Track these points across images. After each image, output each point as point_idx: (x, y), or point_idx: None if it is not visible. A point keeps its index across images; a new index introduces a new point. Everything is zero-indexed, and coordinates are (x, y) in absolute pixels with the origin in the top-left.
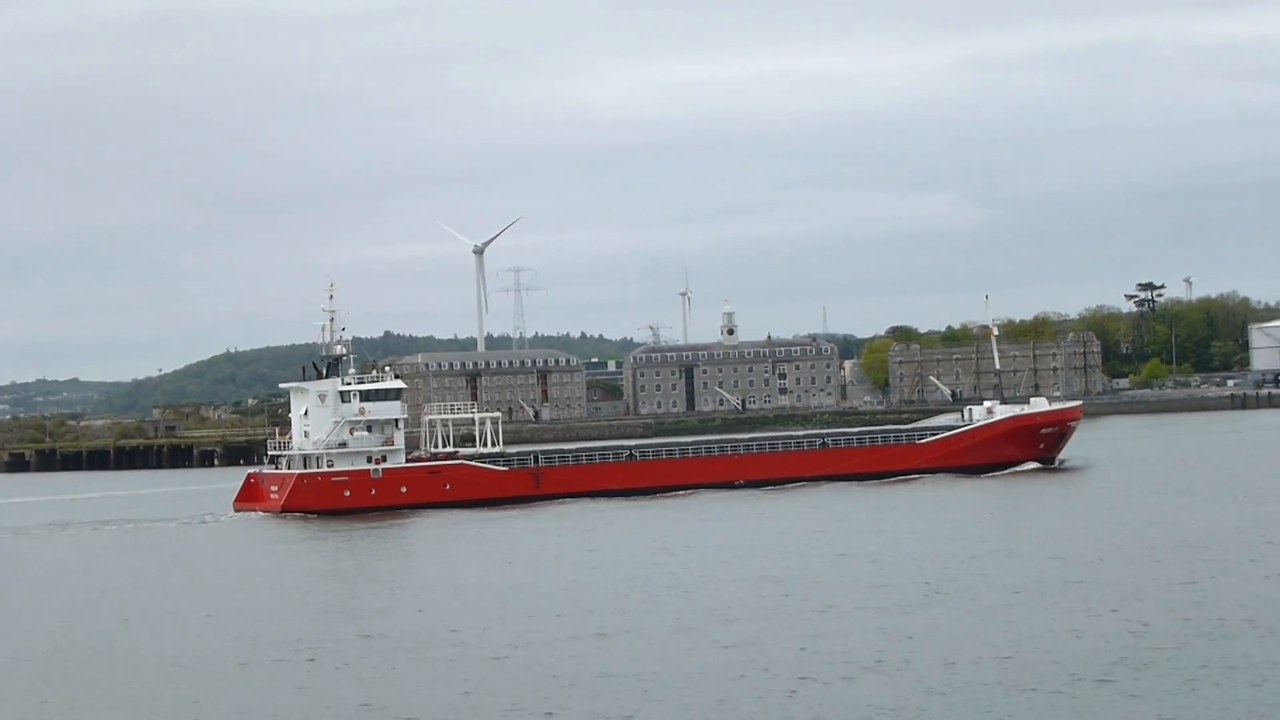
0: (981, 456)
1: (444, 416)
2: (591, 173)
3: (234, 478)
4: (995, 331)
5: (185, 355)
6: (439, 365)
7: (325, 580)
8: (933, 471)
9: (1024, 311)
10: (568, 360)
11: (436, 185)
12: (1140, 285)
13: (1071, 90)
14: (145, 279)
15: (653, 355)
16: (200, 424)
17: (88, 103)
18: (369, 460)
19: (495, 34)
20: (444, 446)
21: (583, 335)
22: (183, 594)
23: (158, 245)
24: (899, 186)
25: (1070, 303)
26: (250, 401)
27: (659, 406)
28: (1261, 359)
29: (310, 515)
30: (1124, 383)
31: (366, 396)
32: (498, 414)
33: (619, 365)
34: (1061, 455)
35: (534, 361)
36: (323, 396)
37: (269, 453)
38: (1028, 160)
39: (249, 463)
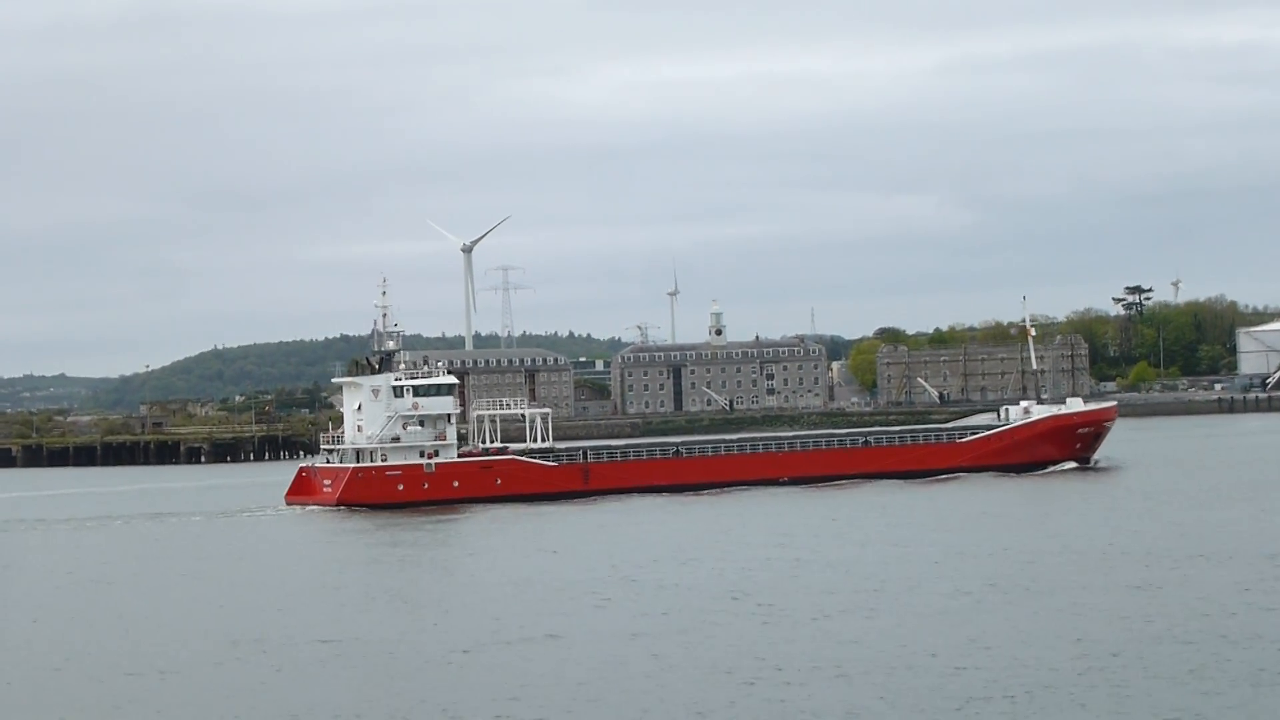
0: (1021, 456)
1: (493, 412)
2: (579, 172)
3: (221, 475)
4: (1033, 332)
5: (173, 352)
6: (425, 362)
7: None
8: (973, 470)
9: (1011, 314)
10: (555, 359)
11: (423, 183)
12: (1128, 288)
13: (1055, 93)
14: (133, 275)
15: (641, 355)
16: (187, 420)
17: (76, 98)
18: (421, 455)
19: (480, 33)
20: (491, 441)
21: (571, 334)
22: (320, 583)
23: (145, 241)
24: (884, 188)
25: (1058, 305)
26: (238, 398)
27: (646, 406)
28: (1249, 363)
29: (364, 509)
30: (1111, 386)
31: (419, 391)
32: (547, 410)
33: (607, 365)
34: (1096, 455)
35: (522, 360)
36: (376, 391)
37: (321, 446)
38: (1013, 163)
39: (235, 460)
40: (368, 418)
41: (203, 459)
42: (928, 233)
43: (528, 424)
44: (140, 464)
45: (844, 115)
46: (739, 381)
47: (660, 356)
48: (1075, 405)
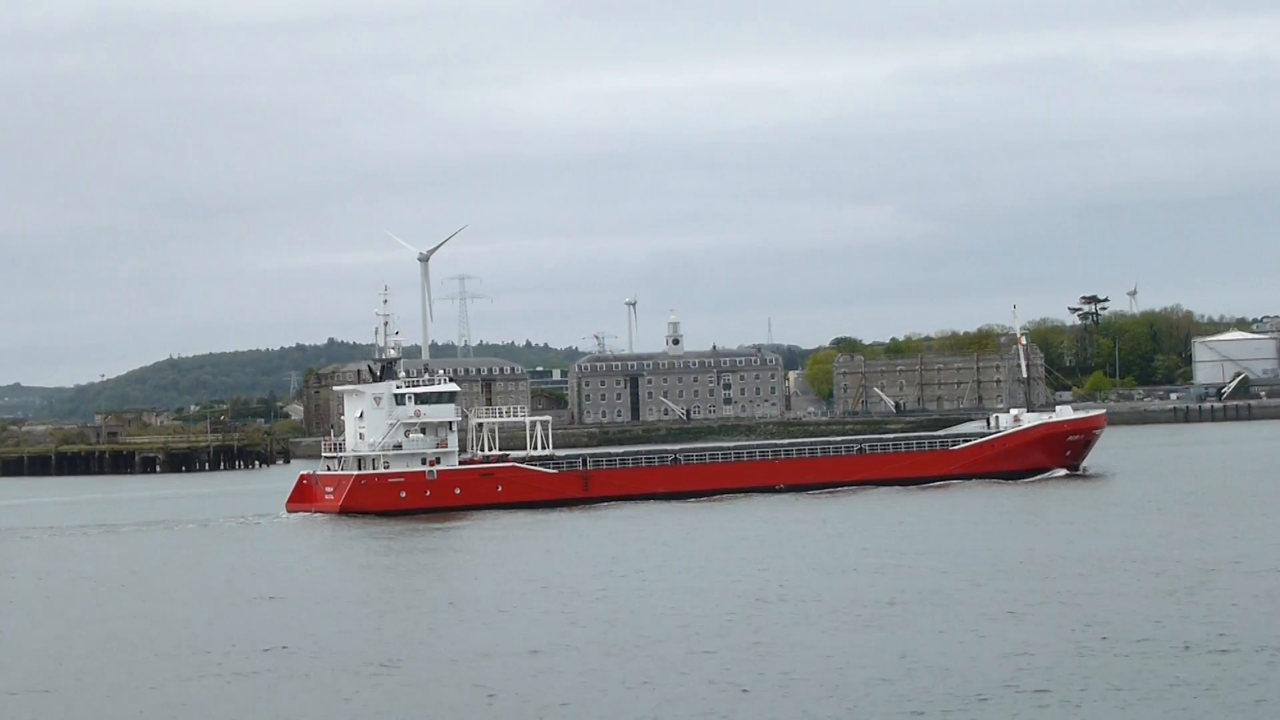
0: (1013, 463)
1: (491, 420)
2: (536, 182)
3: (177, 485)
4: (1023, 340)
5: (128, 361)
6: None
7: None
8: (966, 477)
9: (967, 324)
10: (512, 369)
11: (378, 193)
12: (1084, 298)
13: (1010, 104)
14: (88, 285)
15: (598, 364)
16: (143, 430)
17: (28, 108)
18: (423, 462)
19: (434, 43)
20: (489, 449)
21: (528, 344)
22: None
23: (101, 251)
24: (840, 199)
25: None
26: (193, 408)
27: (604, 416)
28: (1204, 372)
29: (367, 516)
30: (1067, 395)
31: (421, 399)
32: (548, 418)
33: (564, 374)
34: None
35: (479, 370)
36: (378, 399)
37: (323, 454)
38: (969, 173)
39: (190, 470)
40: (370, 425)
41: (158, 469)
42: (884, 243)
43: (528, 431)
44: (95, 474)
45: (798, 126)
46: (696, 391)
47: (617, 366)
48: (1065, 413)
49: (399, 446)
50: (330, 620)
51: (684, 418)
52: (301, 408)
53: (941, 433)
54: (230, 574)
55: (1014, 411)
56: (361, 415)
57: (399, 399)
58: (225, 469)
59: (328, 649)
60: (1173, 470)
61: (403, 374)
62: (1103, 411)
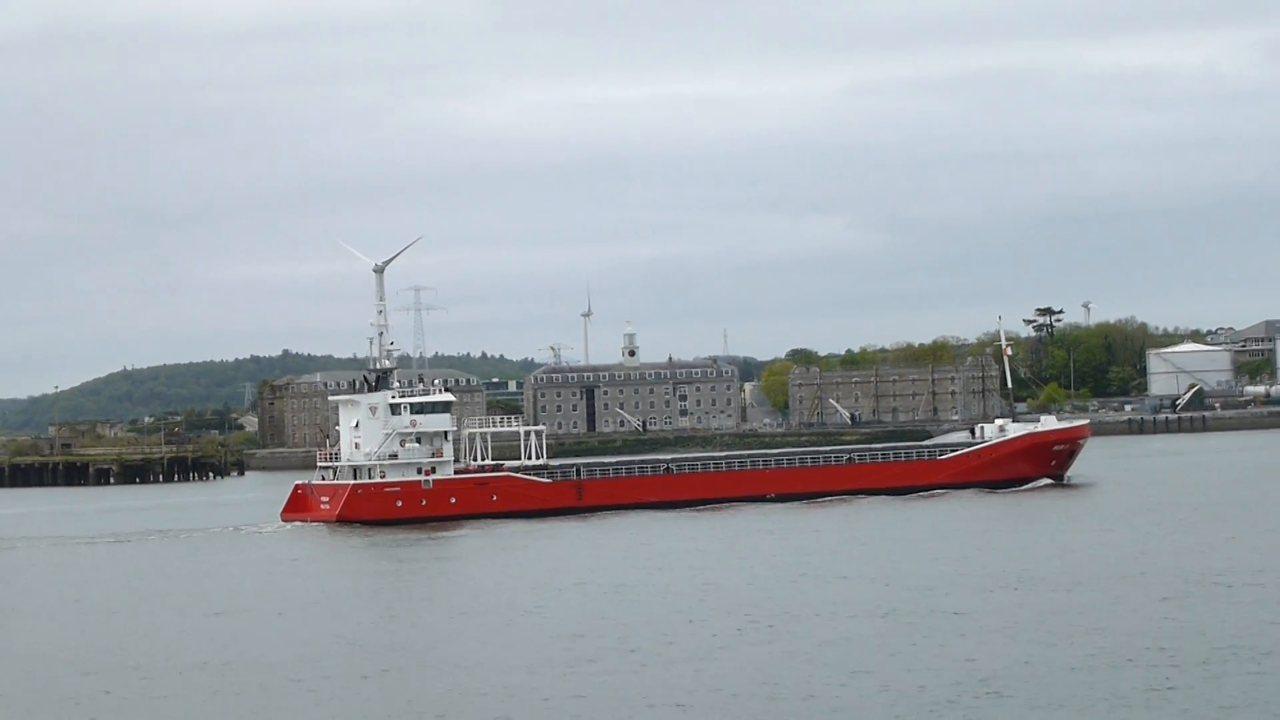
0: (999, 473)
1: (484, 430)
2: (490, 193)
3: (132, 496)
4: (1009, 351)
5: (82, 373)
6: (338, 384)
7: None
8: (953, 487)
9: (922, 335)
10: (468, 380)
11: (333, 203)
12: (1039, 310)
13: (961, 116)
14: (41, 295)
15: (553, 376)
16: (97, 442)
17: None
18: (419, 471)
19: (389, 53)
20: (482, 459)
21: (483, 355)
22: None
23: (54, 261)
24: (793, 210)
25: (968, 327)
26: (147, 419)
27: (559, 427)
28: (1159, 384)
29: (364, 526)
30: (1022, 407)
31: (417, 409)
32: (542, 427)
33: (520, 385)
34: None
35: (434, 381)
36: (374, 409)
37: (318, 464)
38: (923, 185)
39: (145, 481)
40: (365, 435)
41: (112, 480)
42: (839, 254)
43: (522, 441)
44: (49, 485)
45: (751, 137)
46: (652, 403)
47: (573, 377)
48: (1049, 423)
49: (395, 456)
50: (374, 626)
51: (640, 429)
52: (256, 419)
53: (929, 442)
54: (262, 583)
55: (999, 421)
56: (357, 425)
57: (395, 409)
58: (180, 480)
59: (370, 643)
60: (1158, 481)
61: (396, 384)
62: (1086, 421)
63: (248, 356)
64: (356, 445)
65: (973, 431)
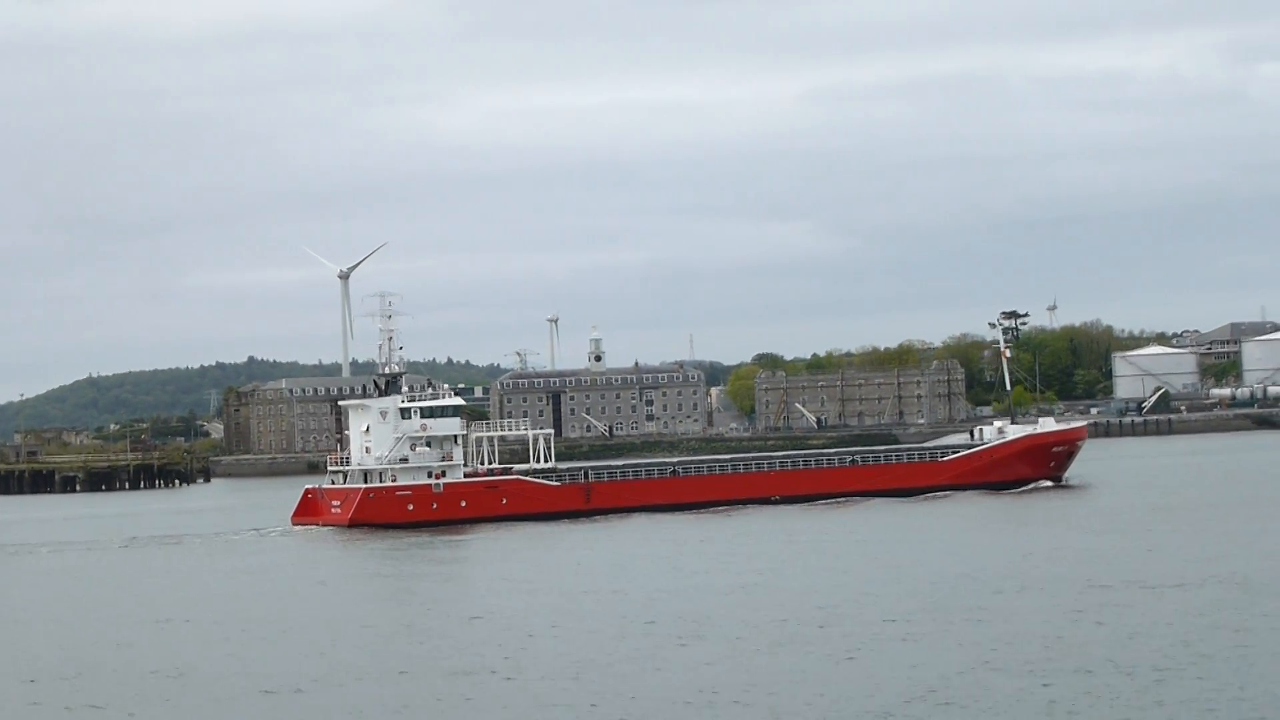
0: (998, 474)
1: (491, 434)
2: (455, 200)
3: (99, 504)
4: (1008, 353)
5: (47, 380)
6: (304, 391)
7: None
8: (953, 489)
9: (888, 339)
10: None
11: (297, 210)
12: (1004, 313)
13: (923, 120)
14: (6, 304)
15: (520, 381)
16: (63, 449)
17: None
18: (429, 475)
19: (351, 61)
20: (489, 463)
21: (450, 361)
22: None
23: (17, 269)
24: (757, 215)
25: (934, 331)
26: (113, 427)
27: None
28: (1124, 387)
29: (376, 529)
30: (988, 410)
31: (427, 413)
32: (550, 431)
33: (486, 391)
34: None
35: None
36: (384, 413)
37: (328, 469)
38: (887, 189)
39: (111, 489)
40: (376, 439)
41: (78, 488)
42: (804, 259)
43: (530, 444)
44: (14, 493)
45: (715, 143)
46: (619, 408)
47: (540, 383)
48: (1048, 425)
49: (405, 460)
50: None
51: (607, 434)
52: (221, 426)
53: (930, 444)
54: (314, 590)
55: (998, 423)
56: (367, 429)
57: (405, 413)
58: (146, 488)
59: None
60: (1152, 483)
61: (406, 388)
62: (1084, 424)
63: (213, 363)
64: (367, 449)
65: (972, 434)
